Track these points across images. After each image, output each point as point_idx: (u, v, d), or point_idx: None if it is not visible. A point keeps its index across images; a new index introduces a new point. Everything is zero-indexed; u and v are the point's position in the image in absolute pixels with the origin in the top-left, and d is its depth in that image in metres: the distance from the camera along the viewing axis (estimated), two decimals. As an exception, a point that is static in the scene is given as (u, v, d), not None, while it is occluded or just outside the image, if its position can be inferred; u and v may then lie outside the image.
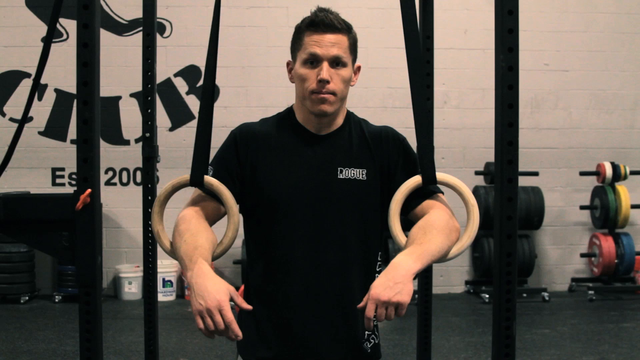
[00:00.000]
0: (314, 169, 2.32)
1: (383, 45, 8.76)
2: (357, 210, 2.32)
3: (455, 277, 9.12)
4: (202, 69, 8.84)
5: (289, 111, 2.44)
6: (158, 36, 8.61)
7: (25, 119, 2.60)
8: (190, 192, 2.38)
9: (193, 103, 8.84)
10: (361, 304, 2.06)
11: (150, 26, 3.53)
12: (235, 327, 1.96)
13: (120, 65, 8.37)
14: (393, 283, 2.03)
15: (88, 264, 2.30)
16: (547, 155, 9.18)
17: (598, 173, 8.79)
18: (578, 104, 9.24)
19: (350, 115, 2.44)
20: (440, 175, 2.33)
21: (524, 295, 8.64)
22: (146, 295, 3.61)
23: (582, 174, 8.89)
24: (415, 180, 2.29)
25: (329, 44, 2.26)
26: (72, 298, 8.16)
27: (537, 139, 9.13)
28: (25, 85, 8.62)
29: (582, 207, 8.98)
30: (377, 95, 8.88)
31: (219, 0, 2.41)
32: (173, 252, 2.24)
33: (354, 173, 2.32)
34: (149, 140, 3.55)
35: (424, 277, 3.64)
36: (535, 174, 8.76)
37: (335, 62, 2.28)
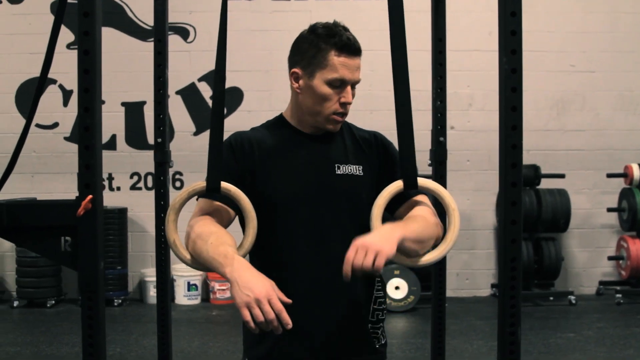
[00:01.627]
0: (311, 167, 2.35)
1: (408, 47, 8.70)
2: (357, 204, 2.35)
3: (481, 280, 9.06)
4: (227, 74, 8.92)
5: (279, 118, 2.46)
6: (182, 41, 8.71)
7: (30, 122, 2.61)
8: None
9: (217, 107, 8.85)
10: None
11: (161, 32, 3.54)
12: (285, 315, 1.95)
13: (144, 71, 8.39)
14: (377, 237, 2.11)
15: (90, 269, 2.30)
16: (574, 157, 9.09)
17: (625, 175, 8.69)
18: (605, 105, 9.14)
19: None
20: (421, 181, 2.33)
21: (551, 298, 8.57)
22: (159, 300, 3.62)
23: (610, 175, 8.79)
24: (397, 185, 2.31)
25: (355, 68, 2.32)
26: (97, 302, 8.20)
27: (563, 141, 9.06)
28: (51, 91, 8.71)
29: (610, 210, 8.88)
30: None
31: (226, 8, 2.40)
32: (194, 260, 2.24)
33: (351, 169, 2.36)
34: (160, 146, 3.56)
35: (438, 280, 3.62)
36: (562, 176, 8.69)
37: (354, 85, 2.34)
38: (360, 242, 2.06)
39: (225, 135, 2.36)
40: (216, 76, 2.35)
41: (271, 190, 2.31)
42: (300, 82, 2.35)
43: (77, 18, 2.27)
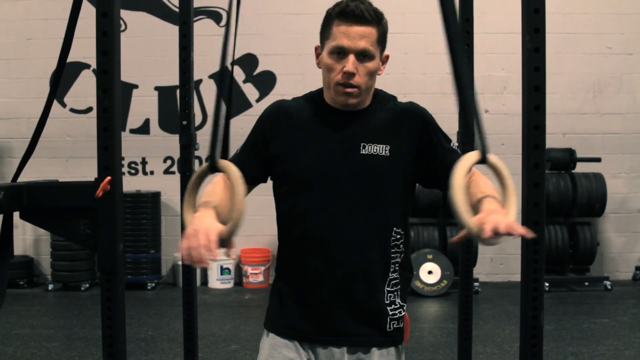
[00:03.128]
0: (337, 144, 2.32)
1: (440, 31, 8.60)
2: (379, 185, 2.31)
3: (515, 265, 8.97)
4: (259, 57, 8.92)
5: (320, 91, 2.44)
6: (214, 25, 8.70)
7: (50, 106, 2.61)
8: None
9: (250, 91, 8.88)
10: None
11: (186, 14, 3.54)
12: (213, 246, 1.94)
13: (177, 55, 8.44)
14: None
15: (109, 251, 2.30)
16: (610, 141, 8.96)
17: (663, 158, 8.57)
18: (642, 88, 9.00)
19: (378, 93, 2.43)
20: (492, 157, 2.18)
21: (586, 283, 8.48)
22: (185, 282, 3.62)
23: (647, 159, 8.66)
24: (475, 156, 2.10)
25: (357, 36, 2.23)
26: (131, 285, 8.28)
27: (599, 124, 8.94)
28: (85, 76, 8.77)
29: (647, 194, 8.76)
30: (435, 81, 8.78)
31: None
32: None
33: (377, 149, 2.31)
34: (186, 128, 3.57)
35: (465, 264, 3.58)
36: (598, 159, 8.57)
37: (362, 55, 2.25)
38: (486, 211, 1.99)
39: (252, 119, 2.35)
40: (223, 60, 2.30)
41: (295, 164, 2.31)
42: (319, 56, 2.34)
43: (95, -1, 2.26)
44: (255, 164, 2.37)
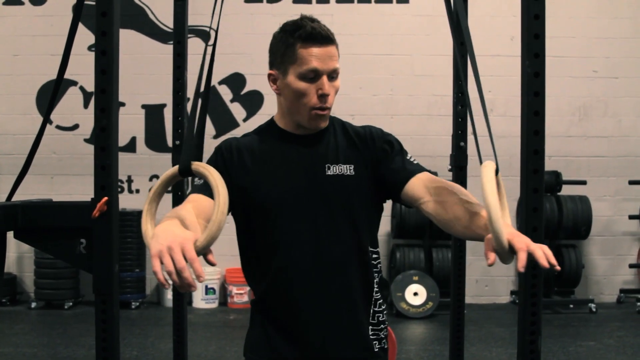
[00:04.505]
0: (301, 168, 2.28)
1: (428, 53, 8.69)
2: (348, 204, 2.28)
3: (500, 287, 9.00)
4: (247, 77, 8.92)
5: (270, 122, 2.40)
6: (203, 44, 8.68)
7: (46, 124, 2.58)
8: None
9: (237, 111, 8.87)
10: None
11: (180, 34, 3.53)
12: (198, 265, 1.70)
13: (165, 74, 8.40)
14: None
15: (105, 271, 2.28)
16: (596, 164, 9.01)
17: (648, 182, 8.61)
18: (628, 112, 9.06)
19: (332, 117, 2.40)
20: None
21: (571, 306, 8.49)
22: (176, 303, 3.59)
23: (632, 182, 8.69)
24: (493, 165, 2.07)
25: (327, 57, 2.21)
26: (115, 304, 8.20)
27: (585, 147, 8.98)
28: (72, 93, 8.74)
29: (632, 217, 8.78)
30: (422, 102, 8.79)
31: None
32: None
33: (342, 169, 2.28)
34: (178, 148, 3.54)
35: (457, 287, 3.58)
36: (583, 182, 8.61)
37: (332, 75, 2.23)
38: (523, 238, 1.84)
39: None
40: (202, 67, 2.26)
41: (263, 195, 2.24)
42: (278, 82, 2.29)
43: (95, 18, 2.25)
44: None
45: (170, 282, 1.71)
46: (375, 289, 2.35)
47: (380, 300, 2.36)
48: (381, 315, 2.37)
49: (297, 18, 2.27)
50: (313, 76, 2.20)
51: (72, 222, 2.34)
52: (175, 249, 1.71)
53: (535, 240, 2.30)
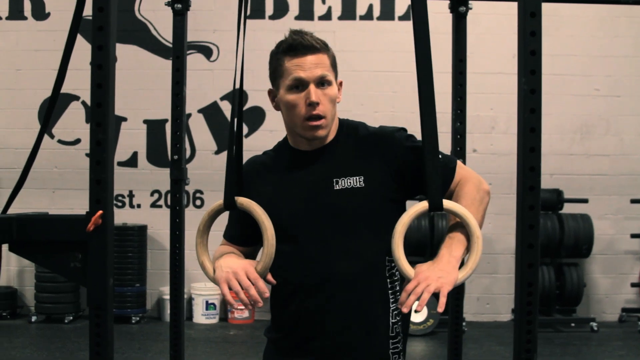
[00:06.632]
0: (309, 187, 2.30)
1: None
2: (359, 217, 2.28)
3: (502, 305, 8.96)
4: (249, 93, 8.91)
5: (285, 139, 2.44)
6: (204, 60, 8.73)
7: (42, 138, 2.58)
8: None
9: (239, 126, 8.86)
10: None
11: (179, 49, 3.54)
12: (262, 284, 2.11)
13: (167, 89, 8.42)
14: (438, 268, 2.13)
15: (99, 285, 2.27)
16: (597, 182, 8.99)
17: (650, 201, 8.59)
18: (630, 130, 9.04)
19: (343, 124, 2.41)
20: (447, 203, 2.24)
21: (572, 325, 8.45)
22: (173, 318, 3.59)
23: (634, 201, 8.67)
24: (423, 205, 2.21)
25: (312, 65, 2.23)
26: (115, 319, 8.15)
27: (587, 166, 8.97)
28: (74, 107, 8.76)
29: (633, 236, 8.75)
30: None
31: (244, 24, 2.34)
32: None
33: (350, 182, 2.28)
34: (177, 163, 3.55)
35: (455, 305, 3.57)
36: (585, 201, 8.60)
37: (321, 83, 2.24)
38: (422, 274, 2.10)
39: (246, 155, 2.34)
40: (234, 93, 2.32)
41: (275, 216, 2.24)
42: (275, 99, 2.34)
43: (92, 32, 2.25)
44: (246, 226, 2.35)
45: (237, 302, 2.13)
46: (392, 299, 2.34)
47: (397, 311, 2.35)
48: (397, 326, 2.36)
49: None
50: (298, 85, 2.22)
51: (67, 235, 2.34)
52: (240, 273, 2.12)
53: (531, 257, 2.29)
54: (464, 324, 8.16)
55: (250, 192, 2.30)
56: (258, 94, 8.75)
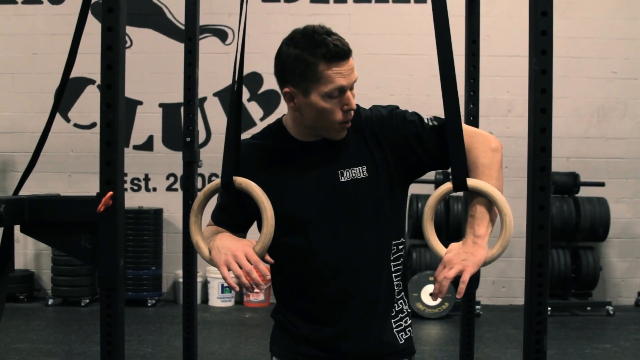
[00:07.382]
0: (315, 180, 2.27)
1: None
2: (366, 207, 2.27)
3: (517, 288, 8.94)
4: (264, 76, 8.91)
5: (280, 127, 2.36)
6: (220, 43, 8.72)
7: (52, 121, 2.59)
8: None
9: (255, 110, 8.88)
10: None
11: (192, 31, 3.54)
12: (262, 266, 2.08)
13: (182, 72, 8.44)
14: (462, 251, 2.21)
15: (110, 266, 2.28)
16: (614, 166, 8.95)
17: (667, 184, 8.54)
18: (647, 113, 8.99)
19: None
20: (472, 182, 2.25)
21: (588, 308, 8.43)
22: (185, 300, 3.59)
23: (650, 184, 8.64)
24: (447, 186, 2.23)
25: (349, 70, 2.17)
26: (131, 302, 8.25)
27: (603, 149, 8.92)
28: (90, 91, 8.78)
29: (650, 219, 8.72)
30: (440, 103, 8.66)
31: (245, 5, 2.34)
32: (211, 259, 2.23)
33: (354, 172, 2.26)
34: (189, 145, 3.55)
35: (467, 287, 3.55)
36: (602, 184, 8.56)
37: (352, 87, 2.21)
38: (447, 256, 2.21)
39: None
40: (234, 74, 2.30)
41: (281, 210, 2.21)
42: (296, 100, 2.22)
43: (102, 14, 2.26)
44: (239, 210, 2.35)
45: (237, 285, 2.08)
46: (396, 282, 2.35)
47: (399, 288, 2.37)
48: (401, 304, 2.37)
49: (307, 28, 2.20)
50: (338, 94, 2.16)
51: (78, 216, 2.35)
52: (240, 255, 2.09)
53: (542, 238, 2.28)
54: (479, 307, 8.18)
55: (247, 175, 2.23)
56: (273, 78, 8.68)
